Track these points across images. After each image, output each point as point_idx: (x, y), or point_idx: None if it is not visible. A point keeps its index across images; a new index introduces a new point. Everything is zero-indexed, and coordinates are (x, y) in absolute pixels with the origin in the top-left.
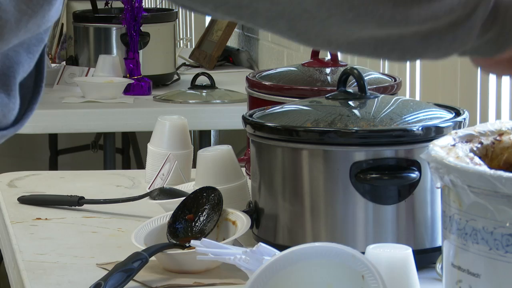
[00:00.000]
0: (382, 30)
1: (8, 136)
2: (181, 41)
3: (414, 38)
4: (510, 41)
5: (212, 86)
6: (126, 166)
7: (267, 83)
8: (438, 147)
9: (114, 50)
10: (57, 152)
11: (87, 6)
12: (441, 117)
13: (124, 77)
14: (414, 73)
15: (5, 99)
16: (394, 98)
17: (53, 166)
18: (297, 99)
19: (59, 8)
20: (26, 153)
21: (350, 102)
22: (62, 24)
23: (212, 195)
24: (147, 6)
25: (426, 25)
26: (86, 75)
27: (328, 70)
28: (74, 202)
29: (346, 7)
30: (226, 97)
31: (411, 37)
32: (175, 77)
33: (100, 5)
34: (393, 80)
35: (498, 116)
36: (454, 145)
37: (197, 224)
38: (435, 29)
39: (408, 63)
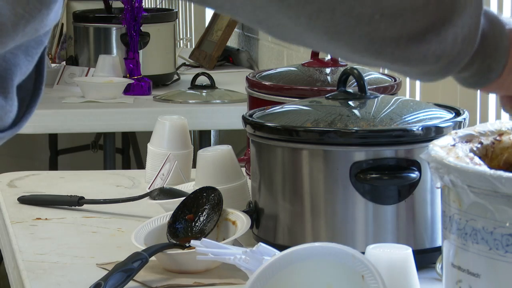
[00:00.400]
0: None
1: (6, 139)
2: (181, 41)
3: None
4: (487, 79)
5: (212, 86)
6: (126, 166)
7: (267, 83)
8: (438, 147)
9: (114, 50)
10: (57, 152)
11: (87, 6)
12: (441, 117)
13: (124, 77)
14: None
15: (2, 102)
16: (394, 98)
17: (53, 166)
18: (297, 99)
19: (58, 11)
20: (26, 153)
21: (350, 102)
22: (62, 24)
23: (212, 195)
24: (147, 6)
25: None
26: (86, 75)
27: (328, 70)
28: (74, 202)
29: (322, 32)
30: (226, 97)
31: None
32: (175, 77)
33: (100, 5)
34: (393, 80)
35: (498, 116)
36: (454, 145)
37: (197, 224)
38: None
39: None
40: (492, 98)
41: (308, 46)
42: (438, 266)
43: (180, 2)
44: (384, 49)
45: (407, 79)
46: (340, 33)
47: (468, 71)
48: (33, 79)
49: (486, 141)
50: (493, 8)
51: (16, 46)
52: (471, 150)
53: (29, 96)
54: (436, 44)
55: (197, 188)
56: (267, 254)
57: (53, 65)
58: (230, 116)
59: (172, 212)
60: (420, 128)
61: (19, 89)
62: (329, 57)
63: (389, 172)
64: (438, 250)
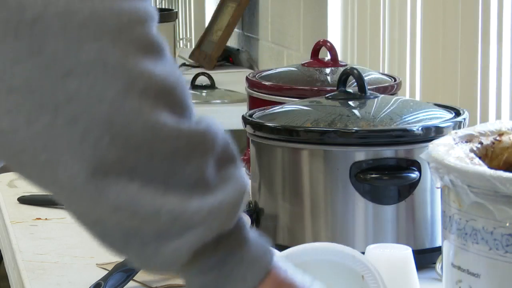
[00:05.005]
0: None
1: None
2: (181, 41)
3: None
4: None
5: (212, 86)
6: None
7: (267, 83)
8: (438, 147)
9: None
10: None
11: None
12: (441, 117)
13: None
14: (414, 73)
15: None
16: (394, 98)
17: None
18: (297, 99)
19: None
20: None
21: (350, 102)
22: None
23: None
24: None
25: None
26: None
27: (328, 70)
28: None
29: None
30: (226, 97)
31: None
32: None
33: None
34: (393, 80)
35: (498, 116)
36: (454, 145)
37: None
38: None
39: (408, 63)
40: (492, 98)
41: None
42: (438, 266)
43: (180, 2)
44: None
45: (407, 79)
46: None
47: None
48: None
49: (486, 141)
50: (493, 8)
51: None
52: (471, 150)
53: None
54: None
55: None
56: None
57: None
58: (230, 116)
59: None
60: (420, 128)
61: None
62: (329, 57)
63: (389, 172)
64: (438, 250)
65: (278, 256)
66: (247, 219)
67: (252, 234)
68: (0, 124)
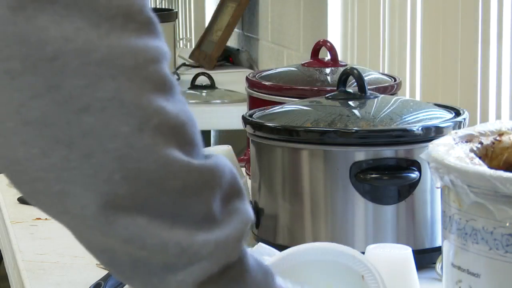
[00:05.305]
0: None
1: None
2: (181, 41)
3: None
4: None
5: (212, 86)
6: None
7: (267, 83)
8: (438, 147)
9: None
10: None
11: None
12: (441, 117)
13: None
14: (414, 73)
15: None
16: (394, 98)
17: None
18: (297, 99)
19: None
20: None
21: (350, 102)
22: None
23: None
24: None
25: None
26: None
27: (328, 70)
28: None
29: None
30: (226, 97)
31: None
32: (175, 77)
33: None
34: (393, 80)
35: (498, 116)
36: (454, 145)
37: None
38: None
39: (408, 63)
40: (492, 98)
41: None
42: (438, 266)
43: (180, 2)
44: None
45: (407, 79)
46: None
47: None
48: None
49: (486, 141)
50: (493, 8)
51: None
52: (471, 150)
53: None
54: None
55: None
56: (267, 254)
57: None
58: (230, 116)
59: None
60: (420, 128)
61: None
62: (329, 57)
63: (389, 172)
64: (438, 250)
65: (277, 277)
66: (252, 216)
67: (252, 259)
68: (16, 154)
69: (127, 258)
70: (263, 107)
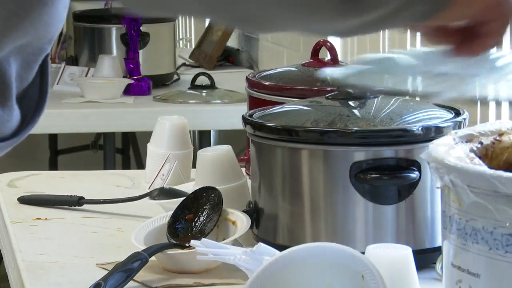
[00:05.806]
0: None
1: (6, 149)
2: (181, 41)
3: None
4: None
5: (212, 86)
6: (126, 166)
7: (267, 83)
8: (438, 147)
9: (114, 50)
10: (57, 152)
11: (87, 6)
12: (441, 117)
13: (124, 77)
14: None
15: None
16: (394, 98)
17: (53, 166)
18: (297, 99)
19: (62, 13)
20: (26, 153)
21: (350, 102)
22: None
23: (212, 195)
24: None
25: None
26: (86, 75)
27: None
28: (74, 202)
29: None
30: (226, 97)
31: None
32: (175, 77)
33: (100, 5)
34: None
35: (498, 116)
36: (454, 145)
37: (197, 224)
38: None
39: None
40: None
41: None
42: (438, 266)
43: None
44: None
45: None
46: None
47: None
48: (38, 86)
49: (486, 141)
50: None
51: (14, 52)
52: (471, 150)
53: (34, 105)
54: None
55: (197, 188)
56: (267, 254)
57: (53, 65)
58: (230, 116)
59: (172, 212)
60: (420, 128)
61: (23, 100)
62: (329, 57)
63: (389, 172)
64: (438, 250)
65: None
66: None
67: None
68: None
69: None
70: (263, 107)
